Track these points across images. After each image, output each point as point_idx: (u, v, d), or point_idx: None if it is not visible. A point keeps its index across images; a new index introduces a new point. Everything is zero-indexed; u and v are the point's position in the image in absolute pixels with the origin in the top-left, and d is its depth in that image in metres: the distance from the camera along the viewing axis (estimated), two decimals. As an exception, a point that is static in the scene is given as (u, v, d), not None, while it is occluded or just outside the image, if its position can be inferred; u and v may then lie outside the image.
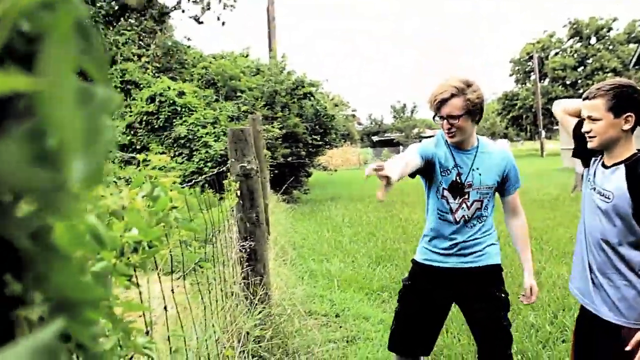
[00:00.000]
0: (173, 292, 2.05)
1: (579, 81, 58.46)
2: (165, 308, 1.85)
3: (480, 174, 3.00)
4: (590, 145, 2.59)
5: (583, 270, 2.71)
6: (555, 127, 58.47)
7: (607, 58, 56.47)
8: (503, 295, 3.10)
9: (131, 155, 14.84)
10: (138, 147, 15.08)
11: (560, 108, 3.00)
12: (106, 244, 0.86)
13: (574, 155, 2.89)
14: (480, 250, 3.06)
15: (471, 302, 3.13)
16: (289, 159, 15.41)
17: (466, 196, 3.01)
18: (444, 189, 3.05)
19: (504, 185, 3.10)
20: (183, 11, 22.93)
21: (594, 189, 2.61)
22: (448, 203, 3.05)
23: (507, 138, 73.28)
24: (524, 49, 64.82)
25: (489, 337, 3.11)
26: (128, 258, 1.29)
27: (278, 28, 23.23)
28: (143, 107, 15.34)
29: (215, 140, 14.13)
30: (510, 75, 66.95)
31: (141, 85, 17.02)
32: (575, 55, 59.95)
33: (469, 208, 3.02)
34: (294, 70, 16.97)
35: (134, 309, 1.23)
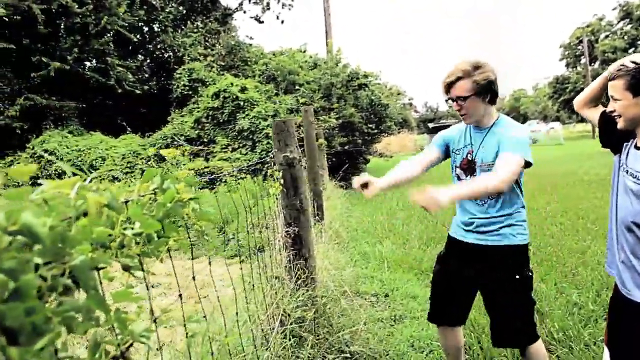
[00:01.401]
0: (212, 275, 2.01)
1: (630, 63, 56.12)
2: (180, 296, 1.81)
3: (484, 151, 2.91)
4: (618, 125, 2.41)
5: (615, 253, 2.54)
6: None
7: (657, 39, 54.17)
8: (518, 277, 2.93)
9: (200, 147, 15.04)
10: (205, 140, 15.25)
11: (577, 104, 2.81)
12: (44, 241, 0.80)
13: (602, 144, 2.71)
14: (495, 230, 2.94)
15: (487, 282, 3.04)
16: (346, 147, 15.33)
17: (475, 173, 2.95)
18: (456, 167, 3.05)
19: None
20: (244, 12, 23.11)
21: (627, 171, 2.43)
22: (460, 179, 3.03)
23: (560, 121, 71.26)
24: (573, 33, 62.77)
25: (501, 318, 3.02)
26: (124, 248, 1.25)
27: (335, 23, 23.16)
28: (209, 103, 15.51)
29: (275, 132, 14.15)
30: (561, 59, 64.94)
31: (207, 83, 17.22)
32: (626, 37, 57.59)
33: None
34: (349, 62, 16.88)
35: (124, 299, 1.18)
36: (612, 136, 2.58)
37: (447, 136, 3.13)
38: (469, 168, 3.00)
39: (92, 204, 0.94)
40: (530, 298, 3.04)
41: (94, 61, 18.88)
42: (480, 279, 3.09)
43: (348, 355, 3.41)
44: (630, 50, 56.51)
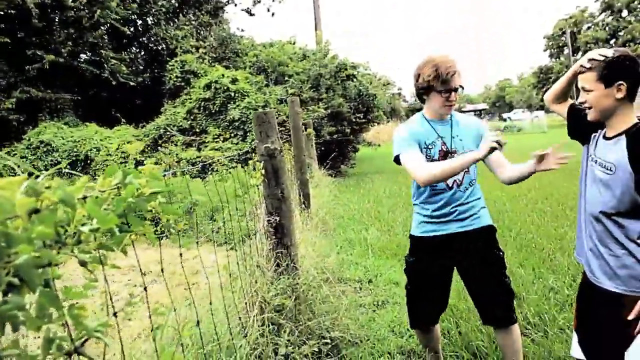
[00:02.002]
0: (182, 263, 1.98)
1: (611, 53, 56.20)
2: (145, 289, 1.78)
3: (461, 140, 3.03)
4: (589, 117, 2.38)
5: (583, 241, 2.52)
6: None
7: (638, 30, 54.08)
8: (501, 253, 3.10)
9: (192, 138, 14.96)
10: (197, 130, 15.16)
11: (548, 100, 2.78)
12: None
13: (570, 135, 2.68)
14: (475, 213, 3.06)
15: (472, 264, 3.08)
16: (335, 136, 15.29)
17: None
18: (433, 160, 3.01)
19: None
20: (236, 5, 22.94)
21: (595, 161, 2.40)
22: None
23: (544, 110, 71.42)
24: (556, 24, 62.74)
25: (492, 296, 3.08)
26: (81, 244, 1.23)
27: (325, 14, 23.03)
28: (200, 94, 15.41)
29: (265, 122, 14.09)
30: (544, 50, 64.98)
31: (199, 75, 17.11)
32: (607, 29, 57.64)
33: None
34: (337, 54, 16.79)
35: (73, 296, 1.16)
36: (580, 127, 2.56)
37: (414, 135, 3.04)
38: (445, 158, 3.01)
39: (21, 206, 0.91)
40: (508, 276, 3.12)
41: (88, 54, 18.72)
42: (460, 265, 3.13)
43: (328, 340, 3.40)
44: (612, 41, 56.65)
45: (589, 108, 2.34)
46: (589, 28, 60.14)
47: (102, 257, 1.45)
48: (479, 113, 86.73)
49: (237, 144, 14.31)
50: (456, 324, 4.12)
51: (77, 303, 1.09)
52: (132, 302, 1.54)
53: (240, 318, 2.70)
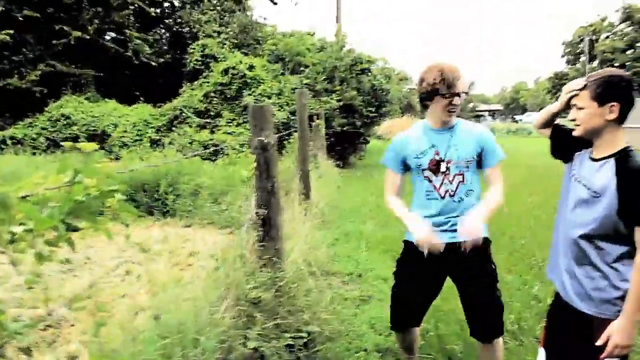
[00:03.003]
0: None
1: (627, 64, 55.62)
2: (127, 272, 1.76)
3: (457, 149, 2.93)
4: (575, 133, 2.32)
5: (559, 260, 2.46)
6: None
7: (656, 42, 53.43)
8: (493, 266, 3.07)
9: (206, 120, 14.96)
10: (212, 113, 15.15)
11: (537, 126, 2.71)
12: None
13: (552, 154, 2.62)
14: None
15: (464, 276, 3.04)
16: (345, 128, 15.21)
17: (447, 171, 2.93)
18: (423, 169, 2.96)
19: (481, 159, 3.00)
20: (260, -8, 22.76)
21: (579, 181, 2.33)
22: (431, 181, 2.97)
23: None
24: (576, 32, 62.05)
25: (483, 309, 3.02)
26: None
27: (346, 6, 22.85)
28: (218, 78, 15.39)
29: (279, 110, 14.05)
30: (562, 56, 64.43)
31: (219, 59, 17.07)
32: (625, 39, 56.93)
33: (451, 182, 2.94)
34: (354, 48, 16.67)
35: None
36: (563, 146, 2.50)
37: (399, 150, 3.07)
38: (437, 169, 2.94)
39: None
40: (498, 288, 3.07)
41: (113, 32, 18.76)
42: (452, 275, 3.08)
43: (304, 334, 3.37)
44: (629, 52, 55.93)
45: (578, 125, 2.28)
46: (607, 37, 59.40)
47: (51, 252, 1.43)
48: (492, 113, 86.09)
49: (249, 129, 14.29)
50: (436, 326, 4.08)
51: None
52: (79, 295, 1.52)
53: (210, 309, 2.67)
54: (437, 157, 2.93)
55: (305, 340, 3.38)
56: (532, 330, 3.99)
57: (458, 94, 2.85)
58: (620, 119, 2.19)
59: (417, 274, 3.05)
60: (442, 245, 2.81)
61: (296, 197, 6.48)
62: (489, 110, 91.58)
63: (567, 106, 2.41)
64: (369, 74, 16.45)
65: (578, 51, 61.52)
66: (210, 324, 2.60)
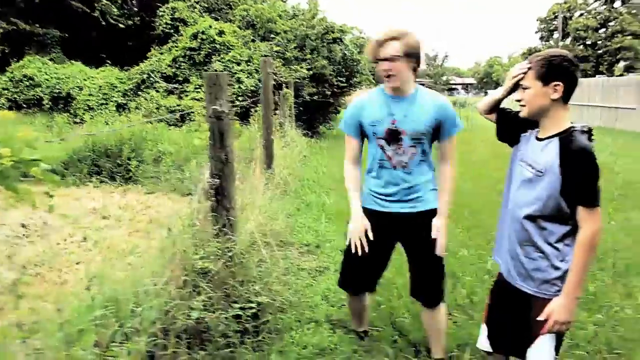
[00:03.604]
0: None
1: (599, 42, 56.13)
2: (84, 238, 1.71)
3: (413, 121, 2.85)
4: (521, 113, 2.32)
5: (503, 241, 2.49)
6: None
7: (628, 21, 53.76)
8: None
9: (174, 86, 14.73)
10: (181, 79, 14.91)
11: (481, 110, 2.69)
12: None
13: (498, 137, 2.62)
14: (420, 196, 2.97)
15: (412, 243, 3.07)
16: (315, 97, 15.10)
17: (400, 142, 2.88)
18: (378, 137, 2.92)
19: (438, 132, 2.93)
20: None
21: (525, 161, 2.34)
22: (384, 151, 2.93)
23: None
24: (551, 8, 62.22)
25: (429, 277, 3.07)
26: None
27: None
28: (187, 43, 15.11)
29: (247, 77, 13.88)
30: (536, 32, 64.67)
31: (189, 23, 16.75)
32: (599, 17, 57.27)
33: (404, 153, 2.90)
34: (326, 16, 16.46)
35: None
36: (509, 129, 2.50)
37: (356, 114, 3.02)
38: (393, 138, 2.90)
39: None
40: (442, 261, 3.06)
41: (80, -9, 18.22)
42: (403, 243, 3.11)
43: (254, 305, 3.35)
44: (602, 31, 56.38)
45: (523, 106, 2.28)
46: (581, 15, 59.67)
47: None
48: (465, 87, 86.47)
49: (218, 96, 14.12)
50: (389, 299, 4.10)
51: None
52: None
53: (153, 279, 2.63)
54: (392, 127, 2.88)
55: (254, 310, 3.37)
56: (482, 304, 4.02)
57: (384, 59, 2.78)
58: (565, 98, 2.20)
59: (367, 238, 3.04)
60: (366, 247, 2.97)
61: (258, 166, 6.42)
62: (462, 84, 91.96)
63: (511, 91, 2.41)
64: (341, 43, 16.28)
65: (552, 28, 61.77)
66: (152, 294, 2.56)
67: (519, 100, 2.31)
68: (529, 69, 2.23)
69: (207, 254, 3.13)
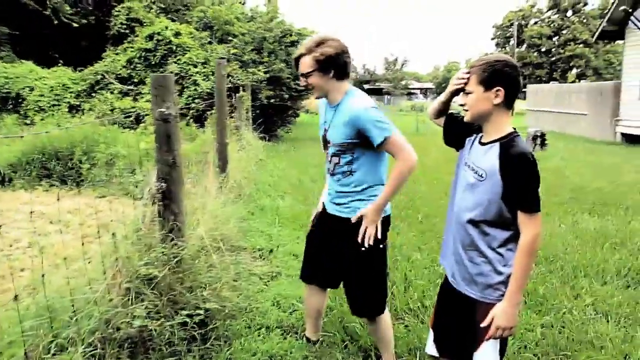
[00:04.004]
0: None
1: (553, 49, 57.58)
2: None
3: (334, 132, 2.86)
4: (465, 118, 2.33)
5: (449, 245, 2.49)
6: (523, 90, 58.20)
7: (579, 30, 55.41)
8: (382, 245, 2.93)
9: (129, 87, 14.47)
10: (136, 80, 14.66)
11: (430, 116, 2.69)
12: None
13: (445, 141, 2.62)
14: (346, 204, 2.94)
15: (343, 251, 3.00)
16: (272, 100, 15.03)
17: (328, 150, 2.94)
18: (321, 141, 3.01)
19: (367, 139, 2.75)
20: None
21: (468, 165, 2.34)
22: (326, 154, 3.01)
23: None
24: (506, 16, 63.57)
25: (352, 284, 3.06)
26: None
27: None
28: (142, 44, 14.88)
29: (204, 79, 13.73)
30: (492, 39, 65.92)
31: (145, 24, 16.47)
32: (552, 26, 58.76)
33: (330, 162, 2.95)
34: (284, 19, 16.42)
35: None
36: (455, 133, 2.51)
37: (320, 110, 3.11)
38: (324, 145, 2.98)
39: None
40: (381, 271, 3.01)
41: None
42: (339, 246, 3.05)
43: (201, 312, 3.28)
44: (555, 38, 57.83)
45: (467, 110, 2.29)
46: (535, 23, 61.09)
47: None
48: (424, 91, 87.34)
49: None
50: (340, 303, 4.07)
51: None
52: None
53: (93, 287, 2.54)
54: (325, 134, 2.94)
55: (202, 317, 3.30)
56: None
57: (302, 75, 2.82)
58: (507, 104, 2.21)
59: (321, 233, 3.15)
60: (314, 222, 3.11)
61: (211, 169, 6.33)
62: (421, 89, 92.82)
63: (454, 95, 2.42)
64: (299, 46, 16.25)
65: (508, 35, 63.02)
66: (92, 302, 2.47)
67: (462, 105, 2.32)
68: (470, 72, 2.24)
69: (152, 260, 3.05)
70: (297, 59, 2.78)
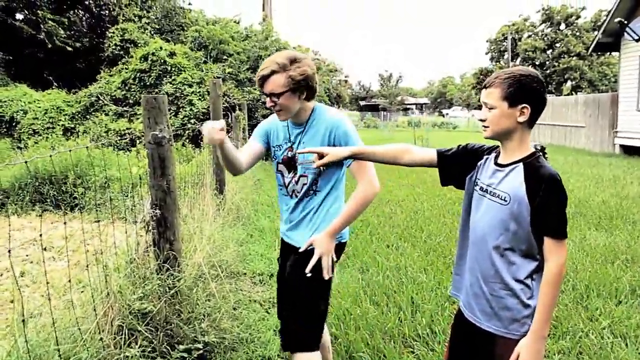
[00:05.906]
0: None
1: (547, 62, 57.76)
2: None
3: (307, 148, 2.50)
4: (484, 134, 2.13)
5: (463, 277, 2.28)
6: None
7: (573, 43, 55.49)
8: (307, 278, 2.58)
9: (124, 109, 14.34)
10: (131, 101, 14.53)
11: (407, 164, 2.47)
12: None
13: (442, 182, 2.39)
14: (309, 229, 2.67)
15: (290, 277, 2.72)
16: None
17: (295, 170, 2.65)
18: (278, 163, 2.73)
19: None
20: (185, -23, 22.03)
21: (485, 190, 2.14)
22: (283, 177, 2.72)
23: (481, 109, 72.93)
24: (500, 30, 63.82)
25: (287, 311, 2.79)
26: None
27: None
28: (137, 65, 14.77)
29: (199, 99, 13.60)
30: (486, 53, 66.06)
31: (139, 45, 16.40)
32: (546, 39, 58.97)
33: (297, 183, 2.65)
34: (280, 37, 16.36)
35: None
36: (452, 172, 2.31)
37: (268, 128, 2.78)
38: (290, 165, 2.68)
39: None
40: (317, 303, 2.67)
41: (25, 12, 17.68)
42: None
43: (200, 346, 3.09)
44: (549, 52, 58.05)
45: (487, 127, 2.10)
46: (529, 36, 61.30)
47: None
48: (419, 107, 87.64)
49: (170, 118, 13.81)
50: (345, 332, 3.88)
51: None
52: None
53: (79, 326, 2.34)
54: (289, 154, 2.67)
55: (201, 351, 3.11)
56: (444, 334, 3.86)
57: (266, 95, 2.50)
58: (531, 122, 2.03)
59: (282, 268, 2.88)
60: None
61: (208, 192, 6.16)
62: (417, 104, 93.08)
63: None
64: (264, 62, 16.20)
65: (502, 48, 63.22)
66: (80, 344, 2.29)
67: (482, 120, 2.13)
68: (493, 85, 2.05)
69: (147, 293, 2.87)
70: (266, 77, 2.44)
